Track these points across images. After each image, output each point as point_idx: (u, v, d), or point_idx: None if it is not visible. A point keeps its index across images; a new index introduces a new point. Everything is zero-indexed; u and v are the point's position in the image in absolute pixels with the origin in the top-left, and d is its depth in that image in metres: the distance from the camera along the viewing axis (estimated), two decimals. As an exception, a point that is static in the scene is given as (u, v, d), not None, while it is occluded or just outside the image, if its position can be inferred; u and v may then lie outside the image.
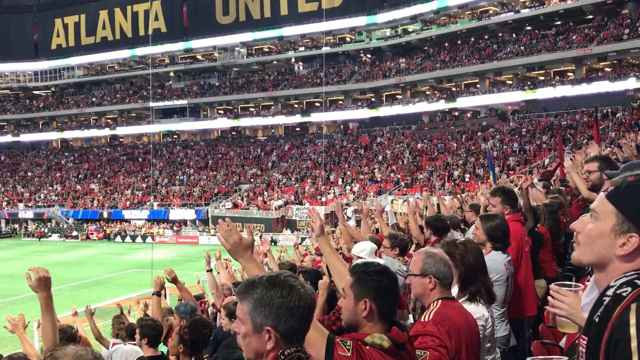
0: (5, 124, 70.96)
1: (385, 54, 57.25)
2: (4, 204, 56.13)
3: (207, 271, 7.17)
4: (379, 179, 44.81)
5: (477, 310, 3.21)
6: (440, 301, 2.82)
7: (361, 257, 4.46)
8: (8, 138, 69.35)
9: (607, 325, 1.43)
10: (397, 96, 55.14)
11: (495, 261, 4.02)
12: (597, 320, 1.48)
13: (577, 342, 1.60)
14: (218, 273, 9.58)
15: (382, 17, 55.79)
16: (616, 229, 1.52)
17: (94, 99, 68.71)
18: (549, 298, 2.25)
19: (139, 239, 46.59)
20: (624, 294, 1.45)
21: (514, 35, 49.49)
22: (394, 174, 44.67)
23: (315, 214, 3.29)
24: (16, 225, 53.42)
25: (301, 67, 62.10)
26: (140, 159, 61.81)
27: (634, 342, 1.33)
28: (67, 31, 71.73)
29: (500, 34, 50.62)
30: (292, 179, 49.68)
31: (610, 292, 1.50)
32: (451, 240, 3.69)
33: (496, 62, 47.59)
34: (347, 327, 2.43)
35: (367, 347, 2.16)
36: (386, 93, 56.08)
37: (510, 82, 49.71)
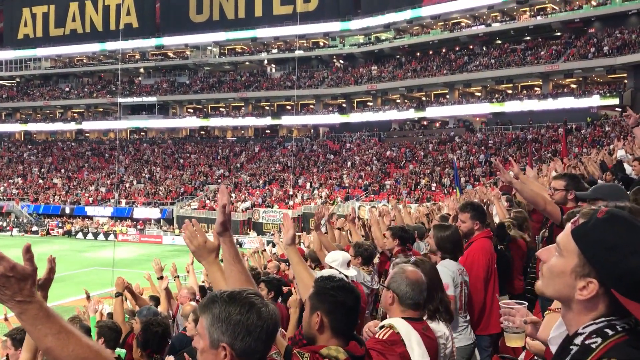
0: (-34, 113, 68.91)
1: (358, 60, 57.58)
2: (-39, 195, 54.46)
3: (158, 278, 7.14)
4: (347, 185, 44.97)
5: (438, 329, 3.20)
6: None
7: (332, 267, 4.43)
8: (-32, 128, 67.37)
9: None
10: (368, 103, 55.51)
11: (447, 268, 4.08)
12: None
13: None
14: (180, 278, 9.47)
15: (355, 24, 56.12)
16: (577, 270, 1.38)
17: (60, 92, 67.24)
18: (501, 311, 2.41)
19: (101, 237, 45.71)
20: (593, 346, 1.33)
21: (484, 48, 50.36)
22: (362, 180, 44.90)
23: (290, 222, 3.23)
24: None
25: (273, 70, 61.96)
26: (106, 155, 60.73)
27: None
28: (35, 21, 70.07)
29: (471, 46, 51.45)
30: (260, 181, 49.49)
31: (578, 340, 1.38)
32: (403, 260, 3.67)
33: (466, 74, 48.36)
34: (305, 338, 2.40)
35: None
36: (357, 99, 56.42)
37: (479, 94, 50.58)
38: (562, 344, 1.47)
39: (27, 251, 1.55)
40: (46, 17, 69.49)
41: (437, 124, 53.51)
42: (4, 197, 53.93)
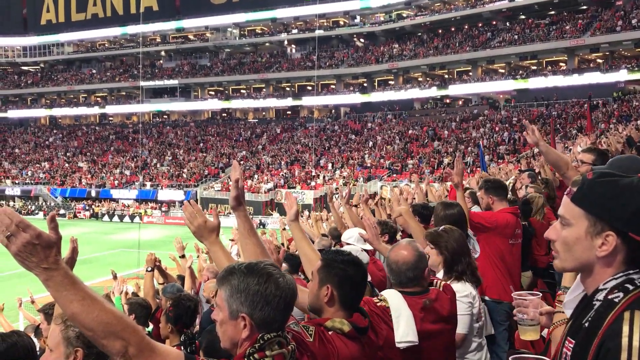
0: (-8, 99, 70.12)
1: (379, 38, 57.00)
2: (-9, 180, 55.68)
3: (180, 257, 7.36)
4: (368, 165, 44.85)
5: (464, 289, 3.36)
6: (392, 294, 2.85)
7: (350, 244, 4.51)
8: (-5, 114, 68.57)
9: (598, 331, 1.39)
10: (390, 82, 55.03)
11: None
12: (586, 324, 1.44)
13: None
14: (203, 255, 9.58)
15: (376, 2, 55.47)
16: (590, 231, 1.46)
17: (83, 77, 67.93)
18: (514, 303, 2.37)
19: (126, 219, 46.40)
20: (616, 300, 1.41)
21: (507, 24, 49.40)
22: (384, 160, 44.71)
23: (293, 199, 3.31)
24: (3, 202, 52.96)
25: (294, 50, 61.70)
26: (129, 138, 61.38)
27: (624, 353, 1.31)
28: (57, 6, 70.59)
29: (494, 22, 50.51)
30: (282, 162, 49.61)
31: (600, 296, 1.45)
32: (433, 229, 3.76)
33: (489, 51, 47.57)
34: (311, 310, 2.45)
35: (330, 332, 2.17)
36: (378, 78, 55.95)
37: (503, 70, 49.73)
38: (581, 303, 1.54)
39: (52, 220, 1.61)
40: (67, 2, 69.94)
41: (460, 102, 52.89)
42: (32, 182, 54.97)
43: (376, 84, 55.97)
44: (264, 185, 45.27)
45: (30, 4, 71.66)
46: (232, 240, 9.49)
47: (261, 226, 34.95)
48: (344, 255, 2.45)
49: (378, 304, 2.70)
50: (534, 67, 48.02)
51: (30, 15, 71.69)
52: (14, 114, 68.32)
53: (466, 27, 51.82)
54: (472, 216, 4.52)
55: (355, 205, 8.56)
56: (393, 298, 2.77)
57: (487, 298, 4.43)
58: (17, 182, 55.26)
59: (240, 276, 1.77)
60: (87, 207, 49.34)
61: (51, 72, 70.76)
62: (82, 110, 66.79)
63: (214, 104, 62.03)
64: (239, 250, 7.59)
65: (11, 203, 51.55)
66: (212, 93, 63.77)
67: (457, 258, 3.45)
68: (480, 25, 51.16)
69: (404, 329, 2.66)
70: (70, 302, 1.56)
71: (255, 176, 47.88)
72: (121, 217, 46.95)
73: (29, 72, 72.26)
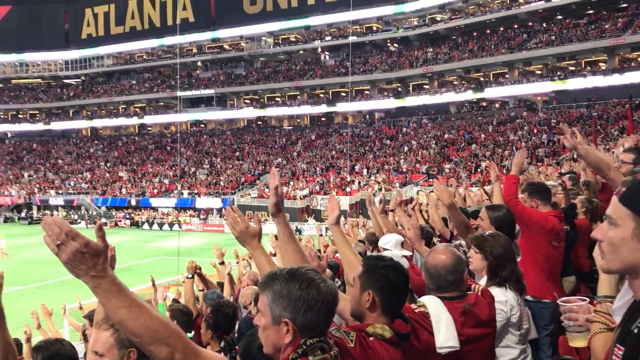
0: (37, 112, 72.39)
1: (413, 43, 56.74)
2: (36, 190, 57.36)
3: (220, 264, 7.54)
4: (404, 170, 44.57)
5: (501, 294, 3.26)
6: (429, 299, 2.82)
7: (387, 249, 4.49)
8: (40, 126, 70.71)
9: None
10: (424, 86, 54.68)
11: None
12: (635, 330, 1.40)
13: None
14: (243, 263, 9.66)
15: (409, 6, 55.25)
16: (637, 232, 1.40)
17: (122, 88, 69.56)
18: (562, 309, 2.32)
19: (166, 227, 47.20)
20: None
21: (544, 25, 48.54)
22: (420, 165, 44.37)
23: (335, 202, 3.31)
24: (47, 212, 54.48)
25: (327, 57, 61.93)
26: (168, 148, 62.48)
27: None
28: (97, 21, 72.61)
29: (531, 23, 49.72)
30: (317, 168, 49.73)
31: None
32: (479, 233, 3.71)
33: (526, 52, 46.80)
34: (352, 316, 2.45)
35: (371, 338, 2.16)
36: (413, 83, 55.67)
37: (540, 72, 48.85)
38: (631, 309, 1.49)
39: (99, 229, 1.65)
40: (107, 16, 71.87)
41: (497, 105, 52.15)
42: (75, 191, 56.43)
43: (411, 88, 55.67)
44: (300, 191, 45.43)
45: (71, 19, 73.83)
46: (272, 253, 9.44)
47: (297, 233, 35.04)
48: (385, 261, 2.45)
49: (416, 310, 2.66)
50: (572, 68, 47.03)
51: (71, 30, 73.86)
52: (57, 126, 70.35)
53: (501, 29, 51.14)
54: (524, 211, 4.46)
55: (392, 210, 8.51)
56: (432, 303, 2.74)
57: (529, 298, 4.36)
58: (60, 192, 56.81)
59: (282, 282, 1.78)
60: (127, 216, 50.36)
61: (92, 84, 72.68)
62: (121, 121, 68.36)
63: (249, 112, 62.68)
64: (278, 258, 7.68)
65: (55, 212, 53.03)
66: (248, 101, 64.46)
67: (502, 264, 3.37)
68: (516, 26, 50.41)
69: (445, 334, 2.63)
70: (118, 309, 1.59)
71: (291, 183, 48.10)
72: (160, 225, 47.76)
73: (70, 85, 74.39)
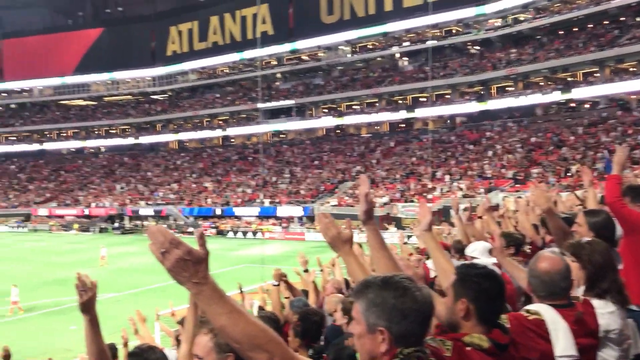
0: (127, 127, 76.38)
1: (495, 44, 55.20)
2: (128, 201, 60.37)
3: (304, 271, 7.56)
4: (489, 175, 43.26)
5: (602, 306, 3.04)
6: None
7: (474, 257, 4.38)
8: (130, 140, 74.55)
9: None
10: (508, 88, 52.95)
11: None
12: None
13: None
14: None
15: (491, 7, 53.84)
16: None
17: (206, 102, 72.11)
18: None
19: (249, 235, 48.27)
20: None
21: (637, 19, 45.78)
22: (506, 170, 42.92)
23: (426, 208, 3.27)
24: (138, 222, 57.21)
25: (405, 63, 61.42)
26: (250, 158, 64.01)
27: None
28: (181, 38, 75.87)
29: (622, 18, 47.04)
30: (397, 175, 49.23)
31: None
32: (576, 240, 3.49)
33: (617, 49, 44.30)
34: (447, 325, 2.41)
35: (468, 348, 2.10)
36: (496, 85, 54.05)
37: (634, 69, 46.07)
38: None
39: (201, 237, 1.69)
40: (190, 33, 74.93)
41: (586, 105, 49.65)
42: (163, 202, 58.89)
43: (494, 91, 54.09)
44: (380, 199, 45.11)
45: (158, 38, 77.54)
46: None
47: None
48: (479, 269, 2.39)
49: (530, 318, 2.55)
50: (671, 63, 44.05)
51: (157, 48, 77.56)
52: (145, 139, 73.87)
53: (590, 26, 48.74)
54: (630, 213, 4.14)
55: (480, 217, 8.20)
56: (546, 311, 2.62)
57: (634, 307, 3.99)
58: (149, 202, 59.46)
59: (376, 290, 1.77)
60: (213, 225, 51.91)
61: (177, 99, 75.86)
62: (206, 134, 70.81)
63: (327, 121, 63.14)
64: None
65: (145, 222, 55.56)
66: (326, 110, 64.97)
67: (602, 273, 3.14)
68: (606, 22, 47.87)
69: (564, 343, 2.51)
70: (218, 315, 1.64)
71: (371, 191, 47.82)
72: (244, 234, 48.89)
73: (157, 101, 78.03)
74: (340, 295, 5.80)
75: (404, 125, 60.74)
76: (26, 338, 18.75)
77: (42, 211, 62.94)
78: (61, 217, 61.16)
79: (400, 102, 59.73)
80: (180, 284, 1.65)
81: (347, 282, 8.36)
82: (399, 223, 41.62)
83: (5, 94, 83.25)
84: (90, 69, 77.42)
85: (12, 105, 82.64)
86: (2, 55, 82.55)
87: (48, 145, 77.68)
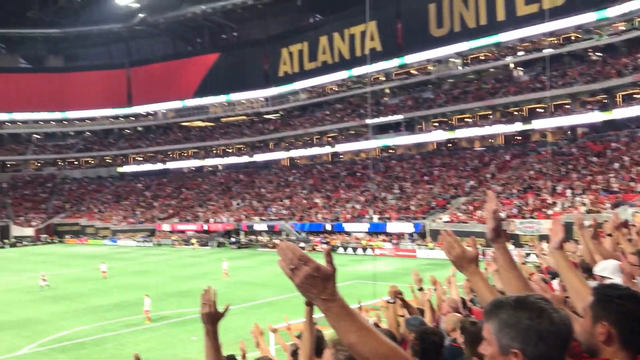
0: (242, 146, 79.79)
1: (619, 50, 51.57)
2: (243, 217, 62.72)
3: (419, 289, 7.47)
4: (616, 189, 40.22)
5: None
6: None
7: (605, 277, 4.02)
8: (245, 159, 77.77)
9: None
10: (635, 96, 49.13)
11: None
12: None
13: None
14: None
15: (614, 11, 50.47)
16: None
17: (316, 120, 73.60)
18: None
19: (359, 251, 48.25)
20: None
21: None
22: (635, 183, 39.70)
23: (559, 226, 3.03)
24: (253, 237, 59.21)
25: (520, 73, 59.02)
26: (358, 174, 64.25)
27: None
28: (292, 59, 78.26)
29: None
30: (514, 190, 47.10)
31: None
32: None
33: None
34: (586, 349, 2.21)
35: None
36: (622, 93, 50.36)
37: None
38: None
39: (328, 254, 1.71)
40: (301, 53, 77.12)
41: None
42: (276, 217, 60.55)
43: (619, 99, 50.42)
44: (495, 215, 43.31)
45: (270, 60, 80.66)
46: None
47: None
48: (622, 290, 2.18)
49: None
50: None
51: (270, 69, 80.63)
52: (259, 157, 76.66)
53: None
54: None
55: (609, 234, 7.53)
56: None
57: None
58: (263, 218, 61.39)
59: (509, 310, 1.68)
60: (324, 241, 52.51)
61: (288, 117, 78.17)
62: (315, 151, 72.19)
63: (438, 135, 61.98)
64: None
65: (259, 237, 57.39)
66: (436, 124, 63.85)
67: None
68: None
69: None
70: (348, 332, 1.63)
71: (500, 207, 46.13)
72: (354, 249, 48.95)
73: (270, 120, 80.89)
74: (458, 314, 5.59)
75: (520, 137, 58.23)
76: (152, 347, 19.86)
77: (165, 226, 67.13)
78: (182, 232, 64.84)
79: (515, 113, 57.35)
80: (310, 300, 1.66)
81: (463, 301, 8.02)
82: (517, 241, 39.73)
83: (133, 118, 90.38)
84: (208, 91, 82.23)
85: (139, 128, 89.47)
86: (131, 82, 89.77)
87: (171, 165, 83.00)
